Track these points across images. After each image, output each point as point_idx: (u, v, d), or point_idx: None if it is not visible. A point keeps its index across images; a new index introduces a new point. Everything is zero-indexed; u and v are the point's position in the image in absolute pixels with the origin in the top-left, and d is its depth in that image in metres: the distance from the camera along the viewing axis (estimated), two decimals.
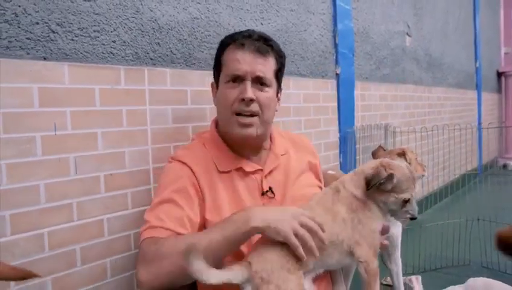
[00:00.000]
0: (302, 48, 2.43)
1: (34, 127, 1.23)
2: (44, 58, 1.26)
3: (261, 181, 1.34)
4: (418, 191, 3.64)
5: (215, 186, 1.29)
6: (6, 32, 1.17)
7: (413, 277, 2.33)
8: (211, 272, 1.01)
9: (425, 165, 2.25)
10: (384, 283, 2.44)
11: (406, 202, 1.22)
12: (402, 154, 1.91)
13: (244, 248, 1.21)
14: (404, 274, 2.25)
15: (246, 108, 1.27)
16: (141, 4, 1.51)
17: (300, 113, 2.39)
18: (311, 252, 1.12)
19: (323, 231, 1.15)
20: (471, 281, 1.77)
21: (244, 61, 1.28)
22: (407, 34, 3.83)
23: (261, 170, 1.36)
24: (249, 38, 1.31)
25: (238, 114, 1.28)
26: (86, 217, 1.35)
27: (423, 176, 2.22)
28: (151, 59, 1.55)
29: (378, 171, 1.21)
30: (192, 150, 1.35)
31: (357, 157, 2.87)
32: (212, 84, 1.43)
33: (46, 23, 1.26)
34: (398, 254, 2.12)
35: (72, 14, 1.32)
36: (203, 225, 1.26)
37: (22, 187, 1.20)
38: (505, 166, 6.76)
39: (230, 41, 1.34)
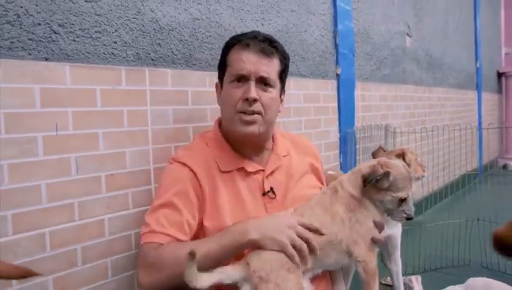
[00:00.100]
0: (302, 49, 2.44)
1: (36, 127, 1.24)
2: (46, 59, 1.27)
3: (263, 181, 1.35)
4: (417, 192, 3.65)
5: (216, 186, 1.30)
6: (8, 33, 1.18)
7: (413, 277, 2.34)
8: (200, 277, 1.05)
9: (425, 166, 2.26)
10: (384, 282, 2.45)
11: (402, 201, 1.23)
12: (402, 154, 1.92)
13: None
14: (404, 274, 2.26)
15: (249, 107, 1.29)
16: (142, 5, 1.52)
17: (300, 114, 2.40)
18: (304, 260, 1.16)
19: (322, 234, 1.19)
20: (471, 281, 1.77)
21: (248, 61, 1.30)
22: (408, 34, 3.84)
23: (263, 170, 1.37)
24: (254, 39, 1.33)
25: (242, 112, 1.29)
26: (87, 217, 1.36)
27: (423, 176, 2.22)
28: (152, 60, 1.56)
29: (375, 169, 1.22)
30: (193, 151, 1.35)
31: (357, 157, 2.88)
32: (216, 85, 1.44)
33: (48, 24, 1.26)
34: (398, 254, 2.12)
35: (74, 15, 1.32)
36: (201, 225, 1.28)
37: (23, 187, 1.21)
38: (505, 166, 6.76)
39: (236, 41, 1.35)
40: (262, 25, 2.12)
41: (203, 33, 1.76)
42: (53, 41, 1.28)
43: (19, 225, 1.20)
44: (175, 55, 1.65)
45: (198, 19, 1.75)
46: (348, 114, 2.86)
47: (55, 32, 1.28)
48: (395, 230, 2.07)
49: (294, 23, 2.36)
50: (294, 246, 1.14)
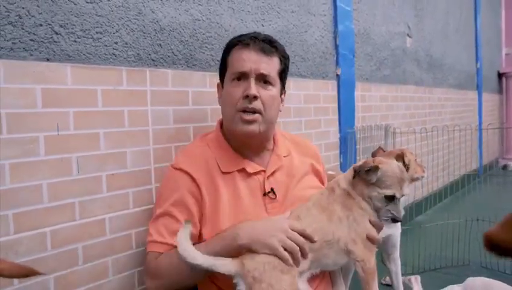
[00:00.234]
0: (302, 49, 2.44)
1: (37, 127, 1.24)
2: (48, 60, 1.27)
3: (263, 182, 1.36)
4: (413, 193, 3.65)
5: (217, 188, 1.31)
6: (10, 33, 1.19)
7: (413, 277, 2.34)
8: (194, 254, 1.12)
9: (424, 166, 2.26)
10: (384, 282, 2.46)
11: (389, 200, 1.23)
12: (401, 155, 1.92)
13: None
14: (403, 274, 2.27)
15: (250, 105, 1.30)
16: (143, 6, 1.53)
17: (300, 114, 2.40)
18: (296, 262, 1.17)
19: (313, 241, 1.20)
20: (470, 280, 1.78)
21: (249, 59, 1.32)
22: (408, 35, 3.84)
23: (264, 171, 1.38)
24: (254, 39, 1.35)
25: (242, 111, 1.31)
26: (88, 217, 1.36)
27: (422, 177, 2.23)
28: (152, 60, 1.57)
29: (366, 161, 1.23)
30: (194, 155, 1.36)
31: (358, 157, 2.88)
32: (218, 85, 1.46)
33: (49, 24, 1.27)
34: (397, 255, 2.13)
35: (75, 16, 1.33)
36: (201, 231, 1.32)
37: (25, 187, 1.22)
38: (505, 167, 6.76)
39: (236, 42, 1.37)
40: (263, 25, 2.13)
41: (203, 34, 1.77)
42: (54, 42, 1.29)
43: (20, 224, 1.21)
44: (175, 55, 1.65)
45: (199, 20, 1.75)
46: (348, 114, 2.87)
47: (56, 33, 1.29)
48: (394, 230, 2.07)
49: (294, 24, 2.37)
50: (285, 249, 1.16)
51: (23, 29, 1.21)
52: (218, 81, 1.45)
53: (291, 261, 1.15)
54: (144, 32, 1.54)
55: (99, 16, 1.40)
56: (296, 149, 1.51)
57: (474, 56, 5.80)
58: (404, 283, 2.21)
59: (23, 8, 1.21)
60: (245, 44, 1.34)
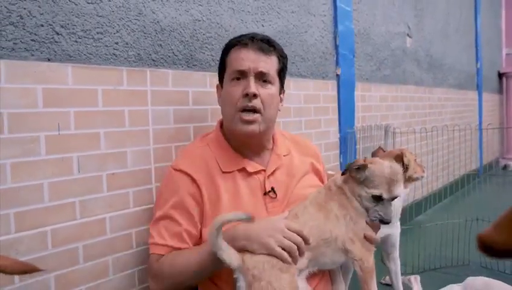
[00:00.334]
0: (302, 49, 2.45)
1: (38, 127, 1.25)
2: (49, 60, 1.28)
3: (264, 181, 1.37)
4: (413, 193, 3.66)
5: (217, 188, 1.32)
6: (11, 34, 1.19)
7: (412, 277, 2.34)
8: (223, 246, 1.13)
9: (424, 166, 2.27)
10: (383, 282, 2.46)
11: (376, 200, 1.23)
12: (400, 155, 1.92)
13: None
14: (403, 274, 2.27)
15: (249, 103, 1.31)
16: (144, 6, 1.54)
17: (300, 114, 2.41)
18: (294, 260, 1.18)
19: (308, 243, 1.20)
20: (470, 280, 1.78)
21: (247, 58, 1.33)
22: (408, 35, 3.85)
23: (264, 170, 1.38)
24: (252, 39, 1.36)
25: (242, 111, 1.31)
26: (89, 216, 1.37)
27: (422, 177, 2.23)
28: (153, 60, 1.58)
29: (357, 160, 1.24)
30: (193, 156, 1.37)
31: (357, 157, 2.89)
32: (217, 86, 1.47)
33: (50, 25, 1.28)
34: (396, 254, 2.13)
35: (76, 17, 1.34)
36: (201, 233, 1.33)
37: (26, 186, 1.23)
38: (505, 167, 6.76)
39: (234, 42, 1.39)
40: (263, 26, 2.13)
41: (203, 34, 1.78)
42: (55, 42, 1.29)
43: (21, 223, 1.21)
44: (176, 56, 1.66)
45: (199, 20, 1.76)
46: (348, 114, 2.87)
47: (57, 34, 1.30)
48: (393, 230, 2.08)
49: (294, 24, 2.37)
50: (282, 248, 1.16)
51: (24, 29, 1.22)
52: (218, 82, 1.46)
53: (289, 259, 1.15)
54: (145, 33, 1.55)
55: (100, 16, 1.40)
56: (296, 148, 1.51)
57: (474, 56, 5.80)
58: (403, 283, 2.21)
59: (24, 8, 1.22)
60: (243, 44, 1.35)
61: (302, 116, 2.42)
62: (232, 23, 1.93)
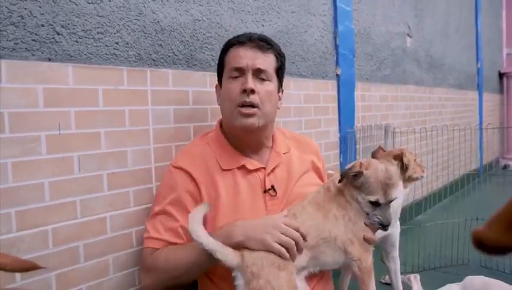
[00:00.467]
0: (302, 49, 2.45)
1: (39, 126, 1.26)
2: (49, 60, 1.29)
3: (264, 179, 1.37)
4: (413, 193, 3.66)
5: (216, 186, 1.32)
6: (12, 34, 1.20)
7: (412, 276, 2.35)
8: (203, 234, 1.14)
9: (424, 166, 2.27)
10: (383, 281, 2.47)
11: (374, 205, 1.23)
12: (400, 155, 1.92)
13: None
14: (403, 273, 2.28)
15: (247, 99, 1.32)
16: (144, 6, 1.54)
17: (300, 114, 2.42)
18: (293, 257, 1.18)
19: (305, 240, 1.21)
20: (469, 279, 1.79)
21: (245, 56, 1.35)
22: (408, 35, 3.85)
23: (264, 168, 1.39)
24: (249, 38, 1.38)
25: (241, 106, 1.33)
26: (89, 215, 1.38)
27: (422, 177, 2.23)
28: (153, 60, 1.58)
29: (354, 166, 1.24)
30: (193, 154, 1.38)
31: (357, 157, 2.89)
32: (216, 86, 1.49)
33: (51, 25, 1.28)
34: (396, 253, 2.14)
35: (76, 17, 1.34)
36: None
37: (27, 185, 1.23)
38: (505, 167, 6.76)
39: (233, 42, 1.41)
40: (263, 25, 2.14)
41: (203, 34, 1.79)
42: (56, 42, 1.30)
43: (22, 222, 1.22)
44: (176, 55, 1.67)
45: (199, 20, 1.77)
46: (348, 114, 2.88)
47: (58, 34, 1.30)
48: (393, 229, 2.08)
49: (294, 24, 2.38)
50: (281, 245, 1.17)
51: (25, 29, 1.23)
52: (217, 83, 1.47)
53: (287, 255, 1.16)
54: (145, 33, 1.55)
55: (101, 16, 1.41)
56: (296, 146, 1.52)
57: (474, 56, 5.80)
58: (403, 282, 2.22)
59: (25, 8, 1.22)
60: (241, 42, 1.37)
61: (302, 116, 2.43)
62: (232, 23, 1.94)
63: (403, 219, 2.90)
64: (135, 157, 1.51)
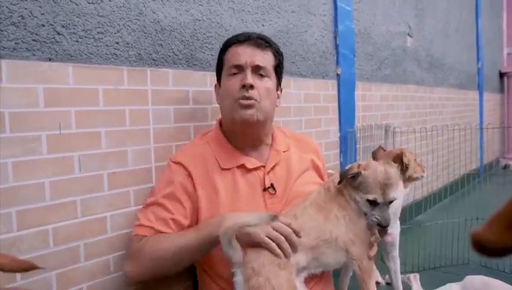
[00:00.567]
0: (303, 49, 2.45)
1: (40, 126, 1.26)
2: (50, 60, 1.29)
3: (263, 177, 1.38)
4: (413, 193, 3.66)
5: (215, 184, 1.33)
6: (13, 34, 1.20)
7: (411, 275, 2.35)
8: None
9: (424, 166, 2.27)
10: (383, 281, 2.47)
11: (372, 204, 1.24)
12: (400, 155, 1.92)
13: None
14: (403, 273, 2.28)
15: (246, 94, 1.33)
16: (144, 6, 1.54)
17: (301, 113, 2.42)
18: (285, 253, 1.17)
19: (299, 236, 1.20)
20: (468, 279, 1.79)
21: (244, 53, 1.37)
22: (409, 34, 3.85)
23: (263, 166, 1.40)
24: (248, 37, 1.40)
25: (240, 99, 1.34)
26: (90, 214, 1.38)
27: (422, 176, 2.23)
28: (153, 60, 1.58)
29: (352, 167, 1.25)
30: (193, 152, 1.39)
31: (358, 157, 2.89)
32: (215, 86, 1.50)
33: (51, 25, 1.29)
34: (396, 253, 2.14)
35: (77, 17, 1.35)
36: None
37: (27, 185, 1.23)
38: (506, 167, 6.76)
39: (232, 41, 1.43)
40: (263, 25, 2.14)
41: (204, 34, 1.79)
42: (56, 42, 1.30)
43: (22, 222, 1.22)
44: (176, 55, 1.67)
45: (199, 20, 1.77)
46: (349, 114, 2.88)
47: (58, 33, 1.30)
48: (393, 229, 2.08)
49: (294, 23, 2.38)
50: (271, 239, 1.16)
51: (25, 29, 1.23)
52: (216, 82, 1.48)
53: (277, 250, 1.15)
54: (145, 33, 1.55)
55: (101, 16, 1.41)
56: (297, 145, 1.53)
57: (475, 56, 5.79)
58: (403, 281, 2.22)
59: (25, 8, 1.23)
60: (240, 41, 1.39)
61: (302, 116, 2.43)
62: (232, 23, 1.94)
63: (403, 219, 2.90)
64: (135, 157, 1.51)
